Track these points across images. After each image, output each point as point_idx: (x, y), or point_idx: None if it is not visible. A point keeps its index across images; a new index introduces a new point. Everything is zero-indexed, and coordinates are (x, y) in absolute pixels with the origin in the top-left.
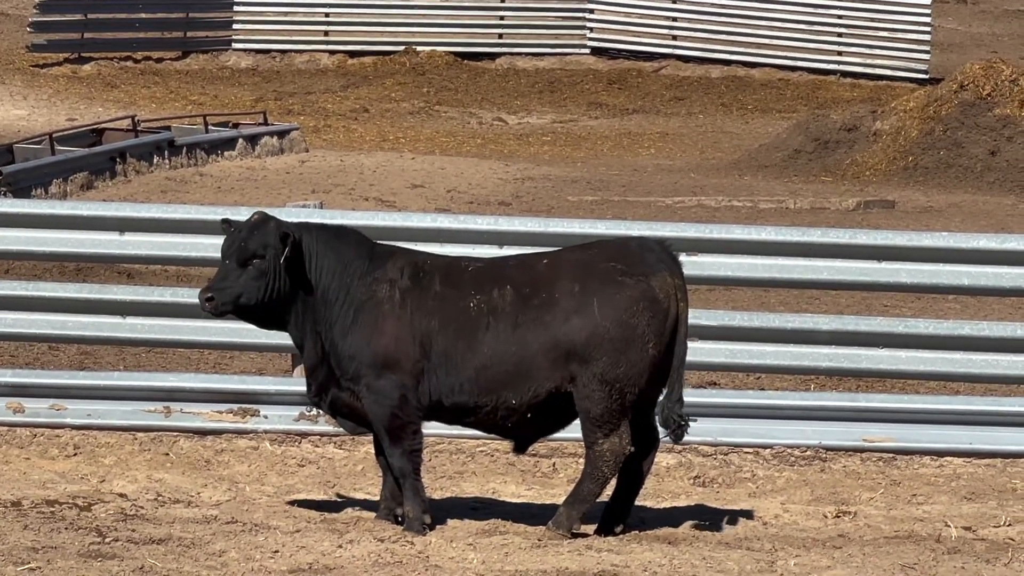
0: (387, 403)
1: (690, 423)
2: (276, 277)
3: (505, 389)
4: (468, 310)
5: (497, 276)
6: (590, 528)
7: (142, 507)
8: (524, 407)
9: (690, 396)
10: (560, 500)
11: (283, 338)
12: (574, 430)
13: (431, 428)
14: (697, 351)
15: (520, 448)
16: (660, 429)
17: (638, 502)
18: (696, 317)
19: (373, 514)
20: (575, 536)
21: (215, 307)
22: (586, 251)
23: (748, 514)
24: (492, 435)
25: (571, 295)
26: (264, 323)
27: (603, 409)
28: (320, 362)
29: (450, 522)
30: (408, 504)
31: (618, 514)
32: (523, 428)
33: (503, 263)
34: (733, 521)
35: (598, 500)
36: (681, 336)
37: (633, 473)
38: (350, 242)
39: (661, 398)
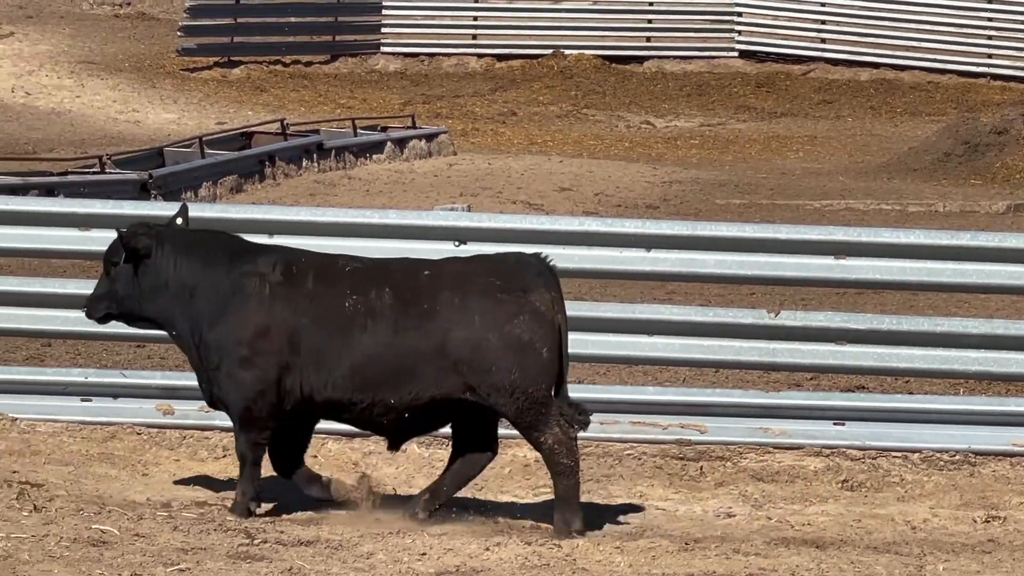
0: (244, 394)
1: (588, 411)
2: (123, 282)
3: (382, 389)
4: (343, 309)
5: (377, 278)
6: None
7: (292, 509)
8: (403, 408)
9: (839, 400)
10: (708, 503)
11: None
12: (724, 433)
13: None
14: (845, 355)
15: (394, 445)
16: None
17: (783, 504)
18: (845, 320)
19: (521, 520)
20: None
21: (88, 316)
22: (464, 265)
23: (897, 518)
24: (366, 431)
25: (449, 308)
26: (141, 325)
27: (516, 412)
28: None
29: (597, 525)
30: (240, 487)
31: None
32: (399, 427)
33: (385, 265)
34: (882, 525)
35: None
36: (563, 348)
37: (462, 463)
38: (217, 242)
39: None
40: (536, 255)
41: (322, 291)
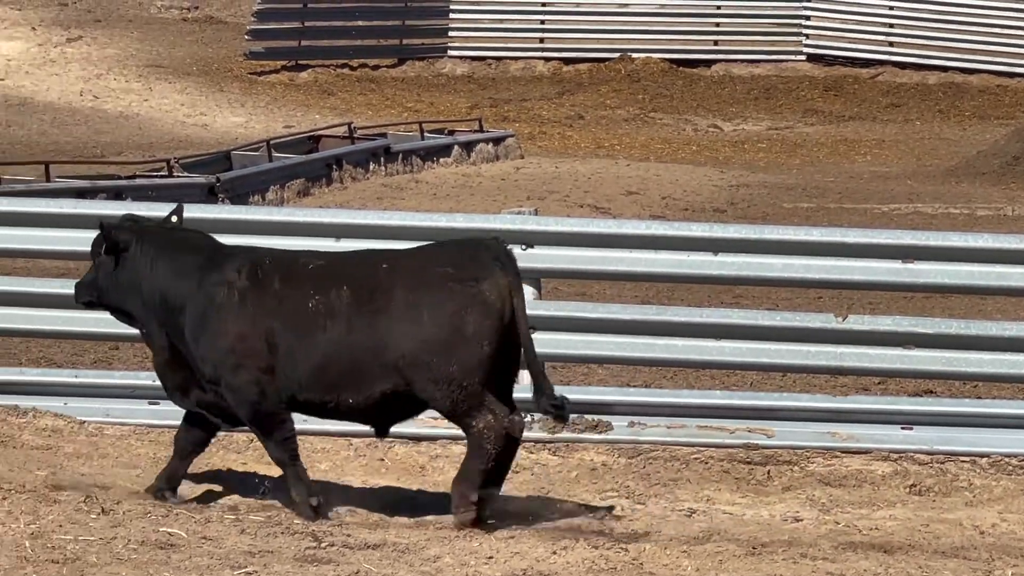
0: (247, 399)
1: (566, 404)
2: (104, 273)
3: (343, 390)
4: (307, 310)
5: (336, 276)
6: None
7: (357, 512)
8: (363, 406)
9: (907, 404)
10: (776, 508)
11: None
12: (792, 438)
13: (651, 435)
14: (913, 359)
15: (380, 433)
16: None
17: (851, 508)
18: (912, 325)
19: (588, 520)
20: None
21: (76, 300)
22: (421, 254)
23: (965, 523)
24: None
25: (400, 302)
26: (121, 317)
27: (451, 403)
28: (170, 361)
29: (664, 530)
30: (293, 491)
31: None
32: (374, 420)
33: (344, 262)
34: (950, 530)
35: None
36: (523, 332)
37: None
38: (188, 247)
39: (533, 395)
40: (494, 239)
41: (288, 292)
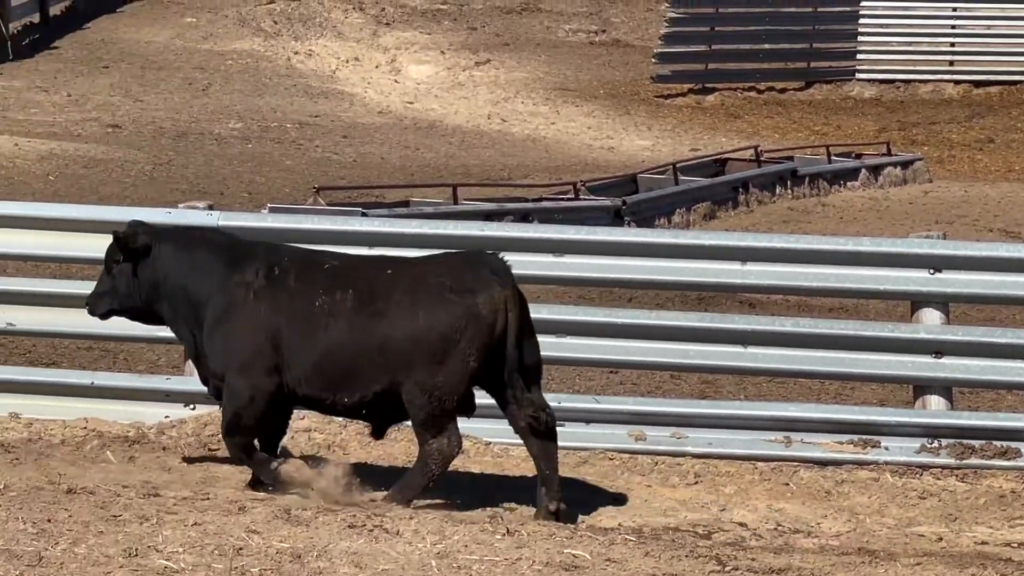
0: (235, 402)
1: (553, 415)
2: (124, 280)
3: (339, 388)
4: (312, 309)
5: (344, 278)
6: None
7: (762, 536)
8: (358, 404)
9: None
10: None
11: (904, 369)
12: None
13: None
14: None
15: (376, 434)
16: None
17: None
18: None
19: (997, 548)
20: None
21: (91, 313)
22: (423, 265)
23: None
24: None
25: (399, 307)
26: (144, 321)
27: (426, 414)
28: (198, 356)
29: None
30: (260, 475)
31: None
32: (369, 418)
33: (354, 265)
34: None
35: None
36: (512, 342)
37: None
38: (212, 246)
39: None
40: (493, 254)
41: (300, 289)
